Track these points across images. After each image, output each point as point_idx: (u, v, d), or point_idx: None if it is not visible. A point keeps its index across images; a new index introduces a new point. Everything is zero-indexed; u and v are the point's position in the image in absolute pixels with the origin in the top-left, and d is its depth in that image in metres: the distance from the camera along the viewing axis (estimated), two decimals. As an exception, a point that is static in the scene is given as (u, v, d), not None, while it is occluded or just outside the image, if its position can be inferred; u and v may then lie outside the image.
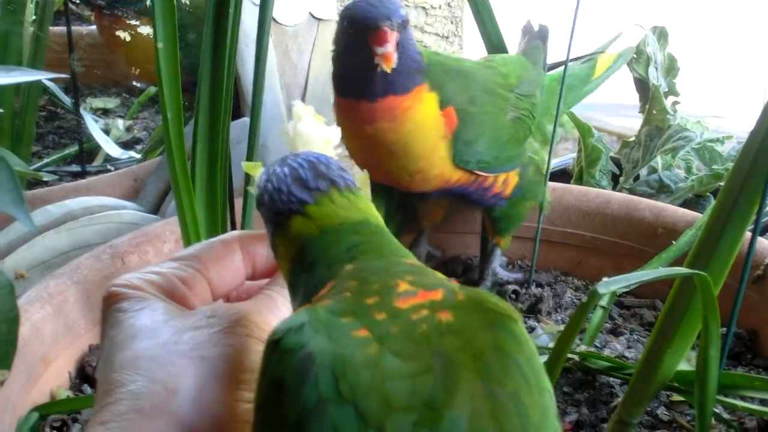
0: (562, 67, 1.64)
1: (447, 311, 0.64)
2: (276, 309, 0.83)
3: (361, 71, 1.40)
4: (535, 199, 1.66)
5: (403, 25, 1.38)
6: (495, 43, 1.78)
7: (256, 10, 1.39)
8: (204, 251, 0.87)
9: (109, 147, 2.35)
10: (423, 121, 1.46)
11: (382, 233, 0.76)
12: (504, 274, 1.71)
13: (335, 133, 0.98)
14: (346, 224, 0.76)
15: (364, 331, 0.63)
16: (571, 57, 1.60)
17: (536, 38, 1.77)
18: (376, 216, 0.78)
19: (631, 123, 2.27)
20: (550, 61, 1.75)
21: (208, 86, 1.35)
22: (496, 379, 0.60)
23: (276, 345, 0.64)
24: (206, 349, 0.75)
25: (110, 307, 0.81)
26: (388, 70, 1.35)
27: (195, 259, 0.86)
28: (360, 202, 0.78)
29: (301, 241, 0.76)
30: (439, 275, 0.71)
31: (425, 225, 1.74)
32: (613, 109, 2.14)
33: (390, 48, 1.35)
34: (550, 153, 1.66)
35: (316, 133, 0.98)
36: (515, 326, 0.64)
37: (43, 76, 1.31)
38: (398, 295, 0.66)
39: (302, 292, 0.75)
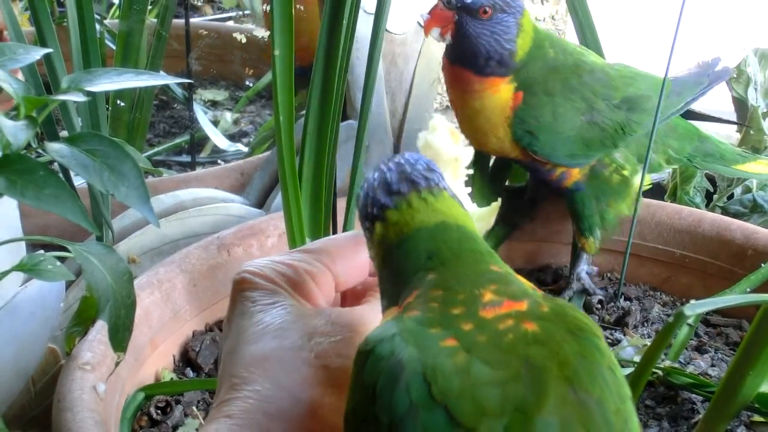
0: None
1: (532, 322, 0.67)
2: None
3: None
4: (612, 205, 1.73)
5: (467, 10, 1.56)
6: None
7: (367, 17, 1.45)
8: (333, 246, 0.91)
9: (218, 139, 2.43)
10: (489, 107, 1.64)
11: (460, 236, 0.77)
12: (588, 282, 1.76)
13: (467, 153, 1.02)
14: (423, 230, 0.77)
15: (452, 340, 0.66)
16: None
17: (705, 75, 1.82)
18: (457, 215, 0.79)
19: (725, 130, 2.26)
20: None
21: (319, 92, 1.41)
22: (582, 386, 0.64)
23: (369, 354, 0.68)
24: (329, 358, 0.79)
25: (240, 293, 0.86)
26: (426, 35, 1.59)
27: (324, 253, 0.89)
28: (439, 203, 0.79)
29: (384, 247, 0.79)
30: (524, 282, 0.75)
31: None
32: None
33: (425, 17, 1.57)
34: (643, 175, 1.70)
35: (446, 148, 1.02)
36: (597, 339, 0.68)
37: (169, 81, 1.39)
38: (483, 305, 0.69)
39: (387, 296, 0.79)
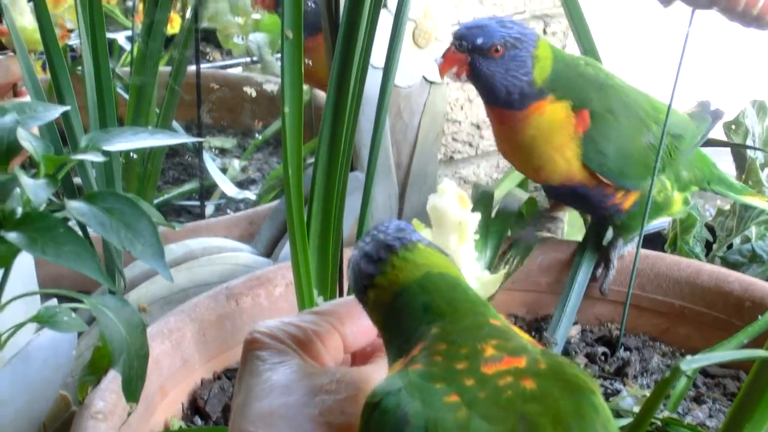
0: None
1: (530, 379, 0.71)
2: None
3: None
4: (655, 217, 1.87)
5: (479, 51, 1.61)
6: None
7: (374, 71, 1.49)
8: (341, 308, 0.95)
9: (226, 186, 2.46)
10: (544, 128, 1.68)
11: (446, 284, 0.82)
12: (626, 249, 1.87)
13: (473, 219, 1.06)
14: (411, 284, 0.82)
15: (454, 396, 0.70)
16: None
17: (707, 113, 1.92)
18: (436, 263, 0.84)
19: (730, 168, 2.30)
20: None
21: (327, 145, 1.44)
22: None
23: (376, 406, 0.72)
24: (333, 415, 0.82)
25: (251, 353, 0.90)
26: (441, 76, 1.66)
27: (333, 314, 0.94)
28: (416, 256, 0.84)
29: (380, 310, 0.84)
30: (522, 335, 0.79)
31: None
32: (713, 154, 2.19)
33: (439, 61, 1.63)
34: (645, 215, 1.74)
35: (453, 212, 1.06)
36: (593, 396, 0.72)
37: (183, 140, 1.43)
38: (485, 361, 0.73)
39: (392, 353, 0.83)
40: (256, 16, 2.69)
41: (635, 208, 1.79)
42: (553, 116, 1.67)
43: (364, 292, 0.85)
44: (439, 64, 1.64)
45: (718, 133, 2.21)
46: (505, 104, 1.66)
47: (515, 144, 1.73)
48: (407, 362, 0.77)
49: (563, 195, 1.87)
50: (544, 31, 2.26)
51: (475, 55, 1.62)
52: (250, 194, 2.49)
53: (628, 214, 1.80)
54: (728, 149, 2.24)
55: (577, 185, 1.75)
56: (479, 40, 1.61)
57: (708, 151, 1.98)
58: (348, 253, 1.56)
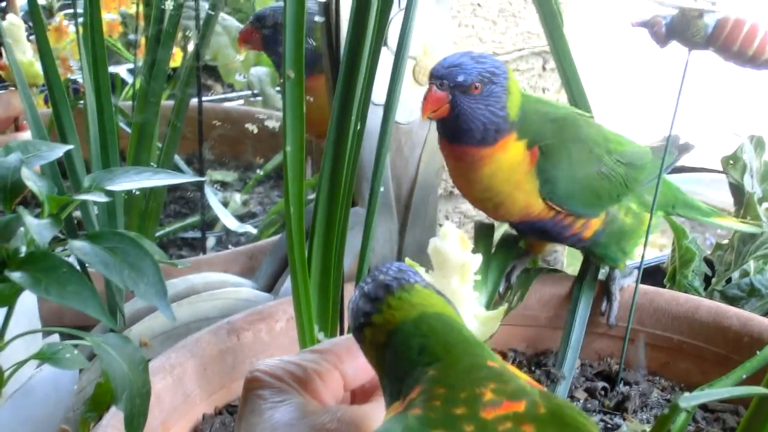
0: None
1: (530, 424, 0.71)
2: None
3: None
4: (631, 240, 1.85)
5: (460, 88, 1.61)
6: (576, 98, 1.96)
7: (374, 108, 1.50)
8: (341, 346, 0.95)
9: (228, 220, 2.47)
10: (504, 166, 1.69)
11: (443, 325, 0.82)
12: (626, 281, 1.88)
13: (475, 260, 1.07)
14: (407, 324, 0.82)
15: None
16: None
17: (675, 147, 1.92)
18: (434, 304, 0.85)
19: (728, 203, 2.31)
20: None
21: (328, 182, 1.46)
22: None
23: None
24: None
25: (251, 392, 0.90)
26: (423, 117, 1.65)
27: (332, 353, 0.94)
28: (413, 297, 0.84)
29: (376, 349, 0.85)
30: (521, 377, 0.78)
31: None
32: (717, 183, 2.21)
33: (423, 101, 1.62)
34: (644, 248, 1.75)
35: (454, 254, 1.08)
36: None
37: (186, 180, 1.44)
38: (484, 406, 0.73)
39: (388, 393, 0.83)
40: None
41: (600, 237, 1.81)
42: (511, 154, 1.69)
43: (361, 331, 0.86)
44: (422, 105, 1.63)
45: (715, 167, 2.23)
46: (480, 141, 1.67)
47: (472, 181, 1.74)
48: (405, 405, 0.77)
49: (525, 230, 1.90)
50: (543, 68, 2.27)
51: (456, 93, 1.62)
52: (251, 228, 2.51)
53: (593, 242, 1.82)
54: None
55: (535, 220, 1.77)
56: (460, 78, 1.61)
57: (707, 182, 1.99)
58: (349, 289, 1.58)
